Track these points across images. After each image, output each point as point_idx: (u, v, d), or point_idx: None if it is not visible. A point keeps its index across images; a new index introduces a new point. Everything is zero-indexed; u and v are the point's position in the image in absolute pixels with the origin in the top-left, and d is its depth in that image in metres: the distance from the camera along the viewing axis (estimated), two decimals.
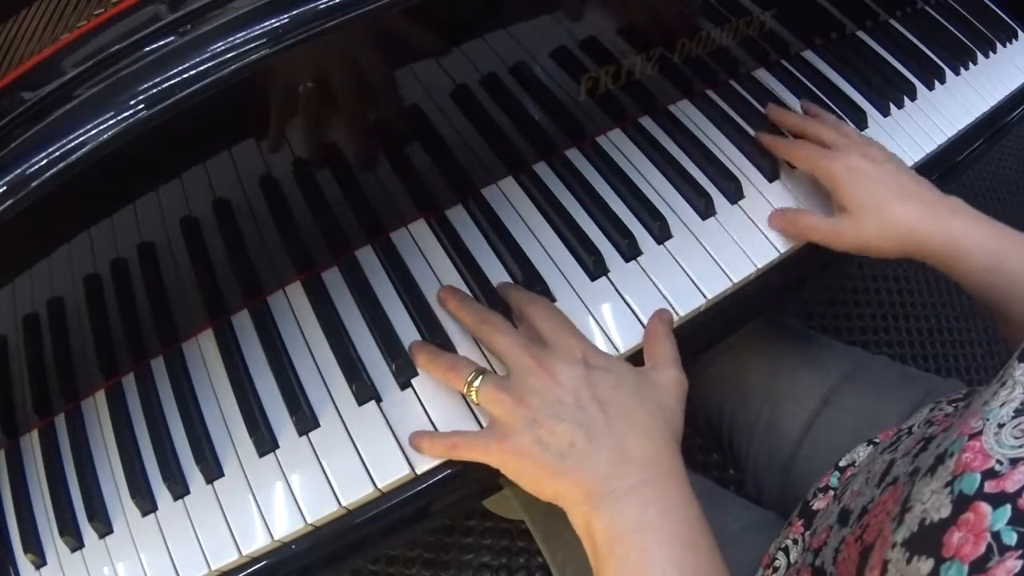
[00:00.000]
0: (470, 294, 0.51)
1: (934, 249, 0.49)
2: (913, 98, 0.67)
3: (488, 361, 0.48)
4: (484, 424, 0.46)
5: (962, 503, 0.28)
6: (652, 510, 0.39)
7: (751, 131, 0.60)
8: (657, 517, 0.38)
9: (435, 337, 0.49)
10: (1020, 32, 0.78)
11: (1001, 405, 0.31)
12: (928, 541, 0.29)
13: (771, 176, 0.58)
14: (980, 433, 0.31)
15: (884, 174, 0.51)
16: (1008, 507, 0.26)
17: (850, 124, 0.63)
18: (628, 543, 0.38)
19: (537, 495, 0.42)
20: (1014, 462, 0.28)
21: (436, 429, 0.46)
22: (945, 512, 0.29)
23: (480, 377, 0.44)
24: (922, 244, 0.49)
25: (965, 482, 0.29)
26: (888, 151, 0.55)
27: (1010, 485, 0.27)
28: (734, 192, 0.56)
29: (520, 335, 0.45)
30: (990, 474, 0.28)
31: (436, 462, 0.46)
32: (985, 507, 0.27)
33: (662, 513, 0.39)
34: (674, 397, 0.45)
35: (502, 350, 0.45)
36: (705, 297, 0.51)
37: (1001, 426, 0.30)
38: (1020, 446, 0.29)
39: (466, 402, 0.47)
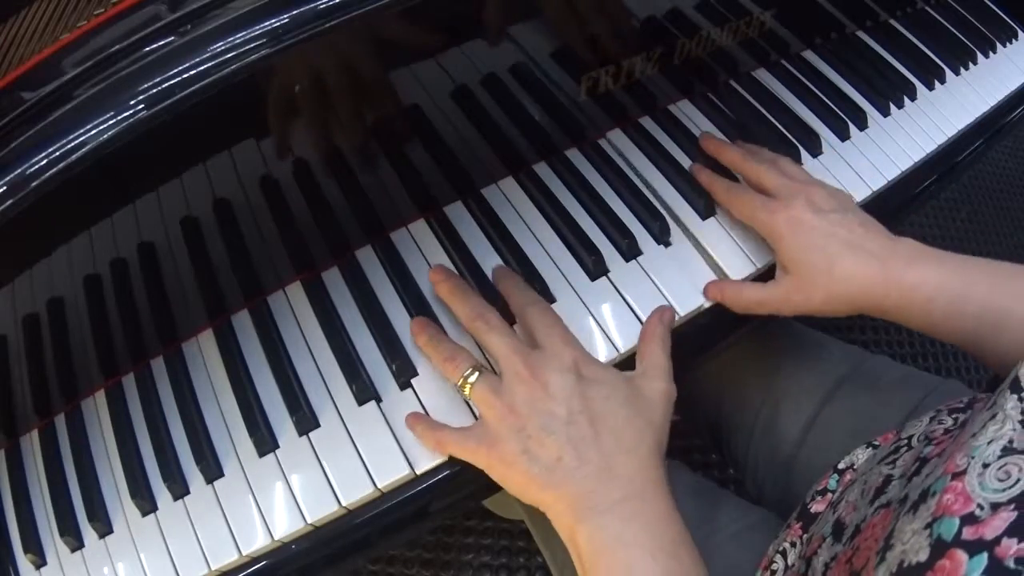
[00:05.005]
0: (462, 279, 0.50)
1: (890, 306, 0.45)
2: (913, 98, 0.67)
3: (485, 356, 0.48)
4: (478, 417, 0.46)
5: (940, 549, 0.28)
6: (635, 524, 0.39)
7: (752, 132, 0.60)
8: (640, 531, 0.39)
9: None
10: (1020, 32, 0.78)
11: (989, 442, 0.30)
12: None
13: None
14: (964, 473, 0.30)
15: (831, 225, 0.47)
16: (985, 555, 0.26)
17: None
18: (612, 556, 0.39)
19: (521, 499, 0.42)
20: (995, 507, 0.27)
21: None
22: (923, 556, 0.28)
23: (476, 374, 0.44)
24: (876, 302, 0.45)
25: (944, 526, 0.28)
26: (836, 192, 0.50)
27: (989, 532, 0.26)
28: None
29: (514, 337, 0.45)
30: (969, 519, 0.28)
31: (436, 462, 0.46)
32: (961, 555, 0.27)
33: (644, 527, 0.39)
34: (662, 411, 0.44)
35: (496, 351, 0.45)
36: (706, 297, 0.51)
37: (986, 466, 0.29)
38: (1004, 489, 0.28)
39: (463, 399, 0.47)
